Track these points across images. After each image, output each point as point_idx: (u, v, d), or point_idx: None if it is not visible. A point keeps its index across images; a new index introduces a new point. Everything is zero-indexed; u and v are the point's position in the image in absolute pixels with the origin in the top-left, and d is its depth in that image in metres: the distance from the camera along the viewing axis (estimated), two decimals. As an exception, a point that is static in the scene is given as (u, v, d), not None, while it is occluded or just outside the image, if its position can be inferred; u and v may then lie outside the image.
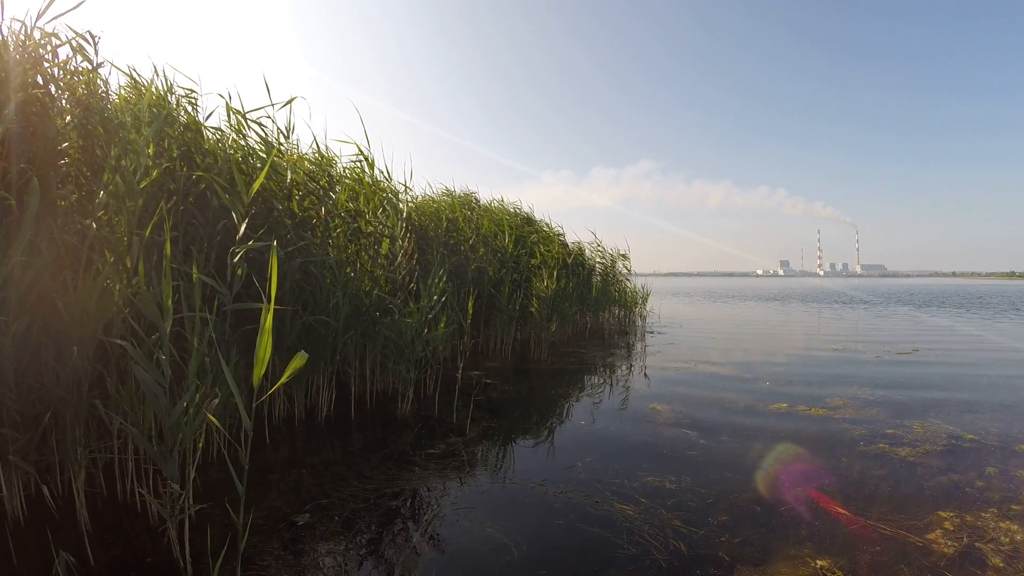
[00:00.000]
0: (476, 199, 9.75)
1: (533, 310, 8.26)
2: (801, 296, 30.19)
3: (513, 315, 8.18)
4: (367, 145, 5.28)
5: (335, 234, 4.79)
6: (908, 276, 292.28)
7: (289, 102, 4.68)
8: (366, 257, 5.06)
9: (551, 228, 11.05)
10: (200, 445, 2.82)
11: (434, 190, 9.34)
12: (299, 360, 1.59)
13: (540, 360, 7.78)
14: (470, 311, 5.63)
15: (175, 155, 3.98)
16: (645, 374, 6.95)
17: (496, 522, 2.80)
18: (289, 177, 4.64)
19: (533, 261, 9.28)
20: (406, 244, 5.02)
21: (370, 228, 5.16)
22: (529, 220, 10.69)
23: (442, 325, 5.15)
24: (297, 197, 4.78)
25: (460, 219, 8.44)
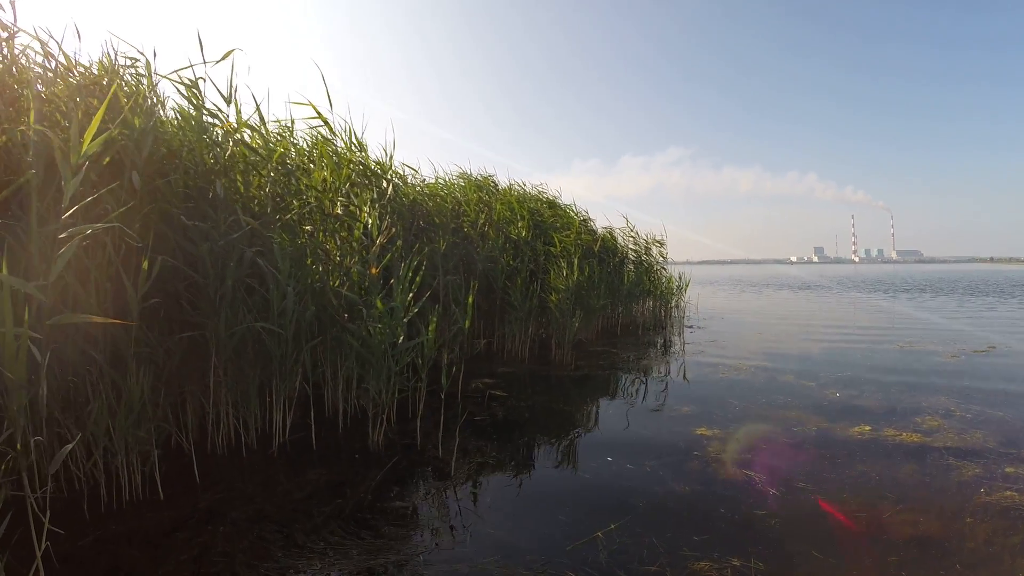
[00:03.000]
0: (494, 182, 8.74)
1: (552, 304, 7.12)
2: (840, 284, 28.49)
3: (531, 310, 7.08)
4: (329, 108, 4.23)
5: (288, 216, 3.78)
6: (945, 262, 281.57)
7: (227, 55, 3.68)
8: (333, 246, 4.04)
9: (576, 212, 9.94)
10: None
11: (447, 173, 8.32)
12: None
13: (562, 363, 6.68)
14: (470, 308, 4.60)
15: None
16: (686, 380, 5.82)
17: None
18: (230, 149, 3.67)
19: (553, 249, 8.15)
20: (384, 227, 3.96)
21: (337, 209, 4.12)
22: (552, 204, 9.64)
23: (432, 328, 4.10)
24: (264, 175, 3.85)
25: (473, 201, 7.41)
